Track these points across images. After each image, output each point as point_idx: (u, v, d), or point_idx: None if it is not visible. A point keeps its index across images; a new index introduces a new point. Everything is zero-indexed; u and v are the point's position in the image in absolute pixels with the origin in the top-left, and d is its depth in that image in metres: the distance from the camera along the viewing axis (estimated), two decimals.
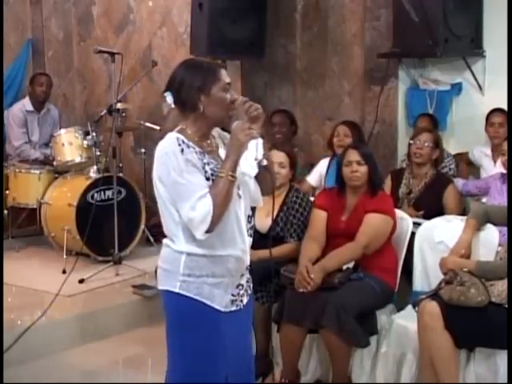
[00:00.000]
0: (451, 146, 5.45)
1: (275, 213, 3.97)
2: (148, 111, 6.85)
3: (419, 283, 3.99)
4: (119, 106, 5.57)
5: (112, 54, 5.31)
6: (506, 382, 3.30)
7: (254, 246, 2.82)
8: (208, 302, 2.63)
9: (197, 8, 5.61)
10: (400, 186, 4.72)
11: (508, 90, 4.97)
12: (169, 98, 2.65)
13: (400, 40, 5.27)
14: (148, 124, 6.06)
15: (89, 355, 4.43)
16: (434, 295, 3.49)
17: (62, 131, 5.96)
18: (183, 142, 2.58)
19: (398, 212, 4.11)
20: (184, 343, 2.66)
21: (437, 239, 4.01)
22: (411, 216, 4.22)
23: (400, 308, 3.95)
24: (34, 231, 6.14)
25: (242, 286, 2.75)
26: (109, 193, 5.56)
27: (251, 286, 2.83)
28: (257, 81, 6.47)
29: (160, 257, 2.73)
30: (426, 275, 3.99)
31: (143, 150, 6.28)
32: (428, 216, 4.31)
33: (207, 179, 2.57)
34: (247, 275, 2.79)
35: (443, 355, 3.40)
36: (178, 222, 2.60)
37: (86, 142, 5.74)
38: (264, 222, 3.81)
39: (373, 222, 3.87)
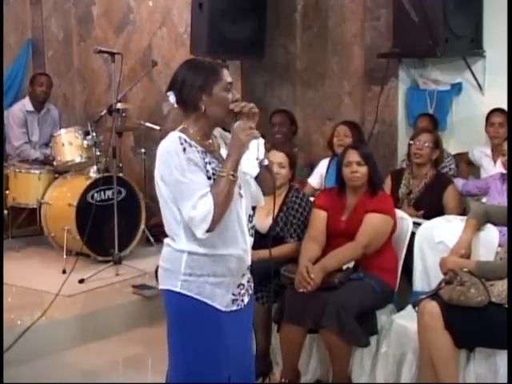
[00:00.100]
0: (451, 146, 5.45)
1: (275, 213, 3.97)
2: (148, 111, 6.84)
3: (419, 283, 3.99)
4: (119, 105, 5.56)
5: (112, 54, 5.30)
6: (506, 382, 3.30)
7: (254, 246, 2.81)
8: (209, 302, 2.63)
9: (197, 8, 5.61)
10: (400, 186, 4.72)
11: (508, 89, 4.97)
12: (171, 98, 2.65)
13: (400, 40, 5.27)
14: (148, 124, 6.04)
15: (89, 355, 4.43)
16: (434, 295, 3.49)
17: (62, 131, 5.95)
18: (185, 141, 2.58)
19: (398, 212, 4.11)
20: (185, 343, 2.66)
21: (437, 239, 4.01)
22: (411, 216, 4.22)
23: (400, 308, 3.95)
24: (34, 231, 6.14)
25: (243, 285, 2.75)
26: (109, 193, 5.56)
27: (252, 285, 2.83)
28: (257, 81, 6.47)
29: (161, 256, 2.72)
30: (426, 275, 3.99)
31: (143, 150, 6.29)
32: (428, 216, 4.31)
33: (209, 178, 2.57)
34: (248, 275, 2.79)
35: (443, 355, 3.40)
36: (180, 221, 2.60)
37: (86, 142, 5.74)
38: (264, 222, 3.80)
39: (373, 221, 3.87)
